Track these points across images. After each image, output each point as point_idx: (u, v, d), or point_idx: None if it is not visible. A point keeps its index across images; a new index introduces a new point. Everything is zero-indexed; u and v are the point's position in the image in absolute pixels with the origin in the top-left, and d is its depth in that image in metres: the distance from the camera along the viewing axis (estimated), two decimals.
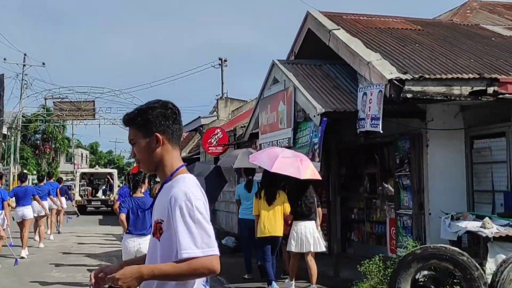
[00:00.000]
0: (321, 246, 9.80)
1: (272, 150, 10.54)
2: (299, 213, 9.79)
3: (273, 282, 9.80)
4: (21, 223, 14.68)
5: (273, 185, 9.97)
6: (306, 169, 9.57)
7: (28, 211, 14.95)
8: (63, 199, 21.15)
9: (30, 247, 14.04)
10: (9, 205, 13.58)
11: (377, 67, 9.38)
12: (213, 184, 11.80)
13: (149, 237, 7.92)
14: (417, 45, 11.02)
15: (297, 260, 9.82)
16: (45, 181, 17.75)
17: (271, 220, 9.78)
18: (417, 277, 7.93)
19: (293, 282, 9.86)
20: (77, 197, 32.58)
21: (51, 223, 19.19)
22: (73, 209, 25.53)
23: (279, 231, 9.87)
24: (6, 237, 12.82)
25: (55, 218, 20.09)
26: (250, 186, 11.43)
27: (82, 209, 30.65)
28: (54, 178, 21.73)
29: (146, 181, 9.07)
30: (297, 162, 9.65)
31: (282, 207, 9.82)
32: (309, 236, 9.62)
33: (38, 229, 16.82)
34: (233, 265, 12.09)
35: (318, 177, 9.74)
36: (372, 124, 9.24)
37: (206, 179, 11.35)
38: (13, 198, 14.67)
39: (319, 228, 10.04)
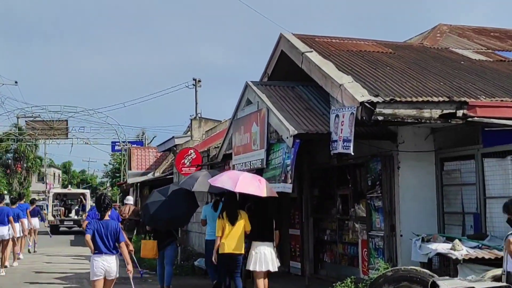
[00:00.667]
0: (276, 266, 10.34)
1: (231, 172, 11.30)
2: (258, 235, 10.29)
3: None
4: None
5: (234, 205, 10.46)
6: (264, 187, 10.29)
7: (4, 231, 15.28)
8: (36, 219, 21.14)
9: None
10: None
11: (349, 89, 9.46)
12: (184, 206, 12.14)
13: (114, 257, 8.30)
14: (388, 68, 11.15)
15: (261, 277, 10.25)
16: (4, 203, 17.24)
17: (233, 238, 10.16)
18: None
19: None
20: (50, 217, 32.99)
21: (20, 245, 18.86)
22: (45, 229, 25.32)
23: (239, 249, 10.24)
24: None
25: (25, 240, 19.85)
26: (217, 207, 11.56)
27: (55, 229, 31.40)
28: (24, 199, 21.50)
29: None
30: (257, 182, 10.40)
31: (243, 226, 10.25)
32: (268, 256, 10.16)
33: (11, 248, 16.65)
34: (205, 286, 12.03)
35: (275, 194, 10.51)
36: (344, 146, 9.30)
37: (175, 201, 11.92)
38: None
39: (275, 249, 10.52)
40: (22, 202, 19.35)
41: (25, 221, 17.92)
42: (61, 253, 21.46)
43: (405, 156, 10.22)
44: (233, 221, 10.20)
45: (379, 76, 10.44)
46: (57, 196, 37.56)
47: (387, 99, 8.98)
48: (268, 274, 10.47)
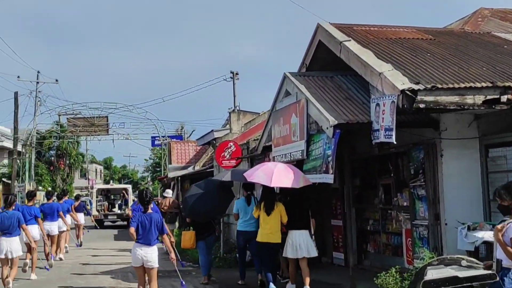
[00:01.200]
0: (314, 252, 10.98)
1: (265, 166, 11.51)
2: (294, 223, 10.96)
3: (271, 283, 10.98)
4: (48, 238, 15.77)
5: (271, 197, 11.20)
6: (299, 177, 10.83)
7: (54, 227, 16.27)
8: (81, 214, 22.25)
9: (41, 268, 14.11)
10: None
11: (389, 77, 9.35)
12: (220, 199, 12.84)
13: (153, 248, 8.94)
14: (428, 54, 10.98)
15: (294, 265, 10.99)
16: (53, 199, 17.79)
17: (269, 228, 10.98)
18: None
19: (294, 285, 10.99)
20: (95, 212, 34.24)
21: (66, 240, 19.25)
22: (91, 224, 25.93)
23: (275, 239, 11.04)
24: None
25: (69, 235, 20.32)
26: (250, 200, 12.23)
27: (99, 223, 32.63)
28: (68, 195, 22.09)
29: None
30: (290, 173, 10.88)
31: (279, 217, 11.00)
32: (303, 243, 10.80)
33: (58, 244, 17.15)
34: (248, 278, 12.10)
35: (310, 183, 10.89)
36: (386, 135, 9.20)
37: (212, 194, 12.69)
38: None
39: (313, 237, 11.14)
40: (65, 198, 19.88)
41: (69, 216, 18.60)
42: (105, 247, 21.82)
43: (448, 143, 10.06)
44: (269, 212, 10.97)
45: (420, 63, 10.29)
46: (100, 191, 39.33)
47: (429, 86, 8.84)
48: (308, 262, 10.97)
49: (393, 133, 9.04)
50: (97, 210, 35.84)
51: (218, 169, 19.03)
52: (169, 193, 21.08)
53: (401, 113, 9.23)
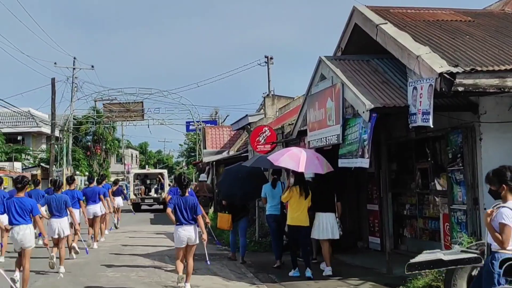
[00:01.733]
0: (337, 235, 11.52)
1: (291, 151, 11.85)
2: (321, 206, 11.51)
3: (308, 268, 11.22)
4: (92, 219, 16.98)
5: (304, 182, 11.66)
6: (323, 164, 11.48)
7: (97, 209, 17.12)
8: (119, 198, 23.09)
9: (82, 249, 14.37)
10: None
11: (426, 60, 9.22)
12: (254, 183, 13.45)
13: (193, 226, 9.69)
14: (467, 37, 10.78)
15: (326, 246, 11.44)
16: (94, 184, 18.31)
17: (299, 212, 11.35)
18: (473, 273, 7.76)
19: (330, 267, 11.30)
20: (132, 196, 35.48)
21: (105, 223, 19.62)
22: (128, 207, 26.46)
23: (305, 222, 11.41)
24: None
25: (110, 217, 21.16)
26: (275, 184, 12.91)
27: (136, 207, 33.68)
28: (106, 180, 22.85)
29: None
30: (315, 160, 11.51)
31: (307, 201, 11.41)
32: (329, 225, 11.39)
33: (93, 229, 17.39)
34: (285, 261, 12.18)
35: (332, 169, 11.53)
36: (423, 119, 9.09)
37: (247, 178, 13.66)
38: None
39: (337, 219, 11.67)
40: (104, 183, 20.31)
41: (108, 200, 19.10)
42: (142, 230, 22.12)
43: (488, 127, 9.88)
44: (303, 196, 11.35)
45: (458, 46, 10.12)
46: (137, 176, 40.17)
47: (467, 69, 8.70)
48: (332, 245, 11.72)
49: (430, 116, 8.93)
50: (134, 194, 36.76)
51: (253, 154, 19.08)
52: (203, 177, 21.41)
53: (439, 97, 9.11)
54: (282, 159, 11.45)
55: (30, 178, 13.79)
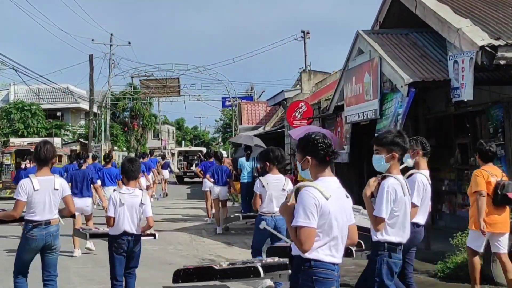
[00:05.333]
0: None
1: (309, 129, 13.71)
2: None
3: None
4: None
5: None
6: (336, 143, 12.71)
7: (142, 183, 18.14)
8: (166, 171, 27.38)
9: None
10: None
11: (467, 33, 9.05)
12: None
13: (225, 187, 15.11)
14: (510, 8, 10.52)
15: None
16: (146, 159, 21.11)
17: None
18: None
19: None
20: (176, 170, 40.45)
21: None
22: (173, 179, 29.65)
23: None
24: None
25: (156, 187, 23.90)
26: (248, 159, 16.69)
27: (180, 179, 39.37)
28: (153, 155, 26.89)
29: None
30: (331, 138, 12.35)
31: None
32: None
33: None
34: None
35: (344, 149, 13.34)
36: (467, 93, 8.94)
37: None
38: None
39: None
40: (152, 157, 24.55)
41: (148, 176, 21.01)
42: (179, 206, 22.37)
43: None
44: None
45: (501, 18, 9.90)
46: (180, 153, 45.63)
47: (510, 41, 8.53)
48: None
49: (471, 90, 8.78)
50: (178, 168, 41.46)
51: (289, 129, 19.07)
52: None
53: (479, 70, 8.97)
54: (299, 134, 12.50)
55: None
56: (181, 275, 5.56)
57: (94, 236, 8.29)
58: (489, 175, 7.26)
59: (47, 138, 35.65)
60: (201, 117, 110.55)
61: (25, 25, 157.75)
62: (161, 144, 64.82)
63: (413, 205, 5.84)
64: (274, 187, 7.76)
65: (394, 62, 10.55)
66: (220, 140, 79.82)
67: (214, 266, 5.54)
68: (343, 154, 14.08)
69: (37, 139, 34.83)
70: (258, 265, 5.45)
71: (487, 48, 8.48)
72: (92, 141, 37.86)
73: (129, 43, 45.79)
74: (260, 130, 29.68)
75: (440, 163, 13.32)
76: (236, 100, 42.57)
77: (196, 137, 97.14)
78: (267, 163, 7.99)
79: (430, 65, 10.42)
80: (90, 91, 37.57)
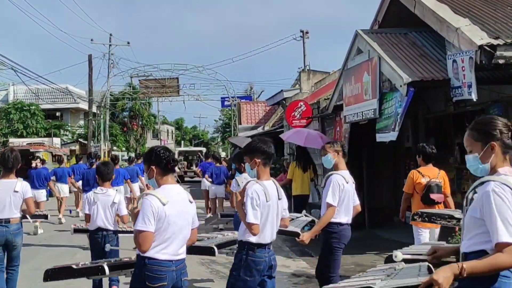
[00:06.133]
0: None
1: (297, 131, 15.62)
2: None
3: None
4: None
5: (305, 156, 14.01)
6: (326, 141, 13.33)
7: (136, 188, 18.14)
8: None
9: None
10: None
11: (466, 33, 9.06)
12: None
13: (223, 185, 16.46)
14: (509, 8, 10.53)
15: None
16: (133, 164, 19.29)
17: (303, 182, 13.61)
18: None
19: None
20: (176, 169, 38.08)
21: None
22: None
23: (307, 191, 13.78)
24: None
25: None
26: None
27: (180, 178, 38.42)
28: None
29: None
30: (319, 138, 14.28)
31: (309, 173, 13.85)
32: None
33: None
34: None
35: None
36: (470, 92, 8.94)
37: None
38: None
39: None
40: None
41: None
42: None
43: None
44: (305, 169, 13.70)
45: (499, 18, 9.90)
46: (180, 152, 45.86)
47: (509, 41, 8.54)
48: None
49: (473, 90, 8.78)
50: (179, 168, 40.48)
51: (288, 129, 19.07)
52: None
53: (479, 70, 8.96)
54: (290, 135, 14.92)
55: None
56: (49, 274, 5.90)
57: (78, 231, 9.04)
58: (420, 176, 8.07)
59: (46, 139, 35.75)
60: (201, 117, 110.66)
61: (24, 25, 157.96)
62: (160, 144, 64.80)
63: (329, 205, 6.50)
64: None
65: (393, 61, 10.55)
66: (219, 140, 79.78)
67: (74, 266, 5.88)
68: None
69: (36, 140, 34.93)
70: (104, 264, 5.74)
71: (486, 48, 8.48)
72: (91, 141, 37.84)
73: (128, 43, 45.78)
74: (260, 129, 29.70)
75: (439, 162, 13.30)
76: (235, 100, 42.59)
77: (195, 137, 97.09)
78: (242, 164, 8.38)
79: (429, 65, 10.42)
80: (89, 91, 37.55)
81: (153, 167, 4.85)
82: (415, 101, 9.95)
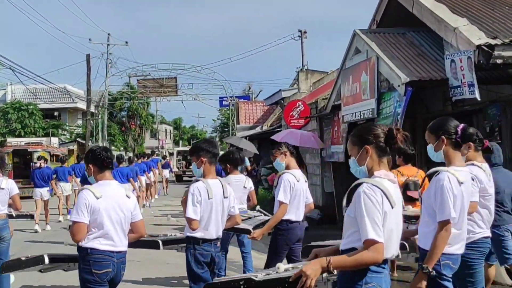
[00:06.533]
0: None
1: (291, 132, 16.11)
2: None
3: None
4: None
5: (299, 156, 14.96)
6: (318, 142, 15.58)
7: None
8: (167, 171, 28.70)
9: None
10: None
11: (464, 32, 9.05)
12: None
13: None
14: (507, 8, 10.53)
15: None
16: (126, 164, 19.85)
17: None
18: None
19: None
20: (175, 169, 42.41)
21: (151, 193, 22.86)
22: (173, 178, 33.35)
23: None
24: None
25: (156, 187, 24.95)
26: None
27: (179, 178, 41.19)
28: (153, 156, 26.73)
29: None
30: (312, 139, 15.37)
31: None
32: None
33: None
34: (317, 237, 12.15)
35: (324, 146, 15.72)
36: (471, 91, 8.93)
37: None
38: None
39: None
40: (153, 157, 25.10)
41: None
42: (179, 203, 22.48)
43: None
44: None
45: (497, 17, 9.90)
46: (179, 152, 47.73)
47: (507, 41, 8.52)
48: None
49: (475, 89, 8.76)
50: (177, 168, 43.46)
51: (286, 129, 19.07)
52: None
53: (477, 69, 8.93)
54: (284, 136, 14.86)
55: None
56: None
57: None
58: (399, 174, 8.08)
59: (44, 138, 35.70)
60: (199, 116, 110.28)
61: (22, 25, 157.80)
62: (159, 144, 64.76)
63: (280, 203, 6.79)
64: (235, 186, 8.05)
65: (391, 61, 10.55)
66: (217, 139, 79.74)
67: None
68: (339, 153, 14.13)
69: (34, 139, 34.87)
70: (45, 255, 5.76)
71: (484, 47, 8.47)
72: (90, 141, 37.80)
73: (126, 42, 45.82)
74: (258, 129, 29.71)
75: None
76: (234, 100, 42.56)
77: (193, 136, 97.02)
78: (227, 165, 8.68)
79: (427, 64, 10.43)
80: (88, 90, 37.51)
81: (91, 165, 5.20)
82: (413, 101, 9.95)
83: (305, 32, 35.33)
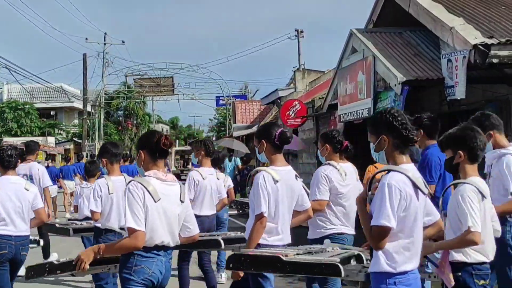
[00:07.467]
0: None
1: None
2: None
3: None
4: None
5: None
6: (298, 142, 16.52)
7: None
8: (164, 169, 28.75)
9: None
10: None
11: (460, 32, 9.08)
12: None
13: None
14: (503, 7, 10.56)
15: None
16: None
17: None
18: None
19: None
20: (173, 168, 41.33)
21: None
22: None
23: None
24: None
25: None
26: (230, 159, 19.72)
27: (177, 177, 38.40)
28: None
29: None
30: (296, 139, 15.90)
31: None
32: None
33: None
34: None
35: (305, 147, 17.23)
36: (462, 91, 8.95)
37: None
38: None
39: None
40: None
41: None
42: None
43: None
44: None
45: (493, 17, 9.93)
46: (177, 152, 46.72)
47: (503, 40, 8.55)
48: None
49: (463, 89, 8.80)
50: (175, 166, 42.64)
51: (283, 128, 19.15)
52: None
53: (473, 69, 8.98)
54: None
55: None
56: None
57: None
58: (375, 169, 7.96)
59: (40, 138, 35.69)
60: (195, 116, 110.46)
61: (19, 24, 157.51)
62: None
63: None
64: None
65: (387, 60, 10.56)
66: (214, 138, 79.68)
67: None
68: None
69: (30, 139, 34.81)
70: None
71: (480, 47, 8.50)
72: (86, 140, 37.78)
73: (123, 42, 45.75)
74: (254, 128, 29.66)
75: None
76: (230, 99, 42.54)
77: (190, 135, 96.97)
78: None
79: (423, 64, 10.45)
80: (84, 90, 37.48)
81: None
82: (409, 100, 9.98)
83: (301, 32, 35.30)
